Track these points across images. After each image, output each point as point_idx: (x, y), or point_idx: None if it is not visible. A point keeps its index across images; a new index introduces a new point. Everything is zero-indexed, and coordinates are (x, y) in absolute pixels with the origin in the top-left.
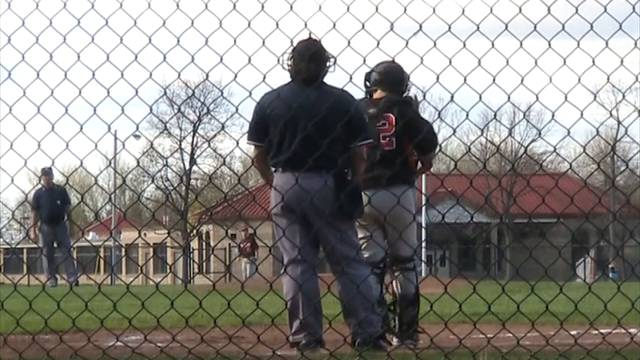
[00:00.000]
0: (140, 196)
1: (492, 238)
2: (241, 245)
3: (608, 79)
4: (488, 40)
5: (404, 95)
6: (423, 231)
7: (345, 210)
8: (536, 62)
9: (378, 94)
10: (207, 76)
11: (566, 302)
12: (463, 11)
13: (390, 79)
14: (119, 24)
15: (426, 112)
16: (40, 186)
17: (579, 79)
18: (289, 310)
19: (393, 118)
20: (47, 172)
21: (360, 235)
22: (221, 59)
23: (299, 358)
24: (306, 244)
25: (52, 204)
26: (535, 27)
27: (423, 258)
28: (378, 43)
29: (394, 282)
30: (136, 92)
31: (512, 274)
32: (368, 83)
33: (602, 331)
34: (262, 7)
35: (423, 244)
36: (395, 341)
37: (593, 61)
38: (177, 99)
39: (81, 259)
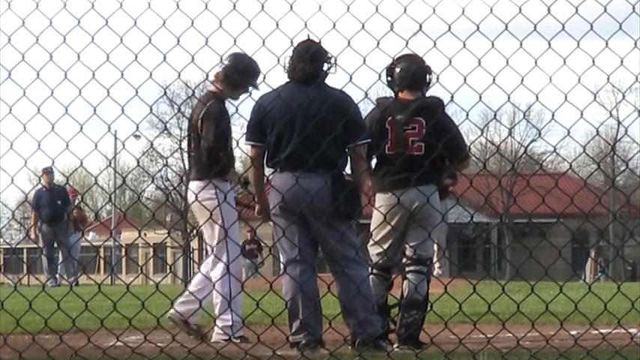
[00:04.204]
0: (140, 196)
1: (492, 238)
2: (246, 247)
3: (608, 79)
4: (489, 40)
5: (426, 90)
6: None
7: (344, 210)
8: (536, 62)
9: (405, 95)
10: (207, 76)
11: (566, 302)
12: (463, 11)
13: (417, 79)
14: (119, 24)
15: None
16: (40, 186)
17: (579, 79)
18: (289, 310)
19: (424, 123)
20: (48, 172)
21: (377, 240)
22: (221, 59)
23: (299, 358)
24: (304, 244)
25: (52, 204)
26: (535, 27)
27: None
28: (378, 43)
29: (404, 283)
30: (136, 92)
31: (512, 274)
32: (390, 79)
33: (602, 331)
34: (262, 7)
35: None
36: (395, 346)
37: (593, 61)
38: (177, 99)
39: (81, 259)
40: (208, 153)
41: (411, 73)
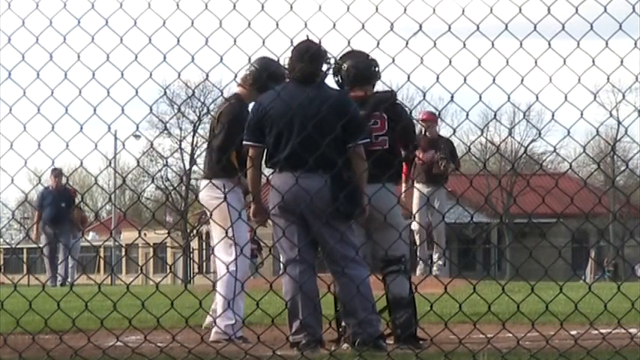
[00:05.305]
0: (140, 196)
1: (492, 238)
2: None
3: (608, 79)
4: (489, 40)
5: (375, 83)
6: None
7: (344, 210)
8: (536, 62)
9: (357, 91)
10: (207, 76)
11: (566, 302)
12: (463, 11)
13: (368, 74)
14: (119, 24)
15: None
16: (46, 185)
17: (579, 79)
18: (289, 310)
19: (385, 117)
20: (58, 175)
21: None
22: (221, 59)
23: (299, 358)
24: (304, 245)
25: (56, 205)
26: (535, 27)
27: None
28: (378, 43)
29: (386, 286)
30: (136, 92)
31: (512, 274)
32: (339, 78)
33: (602, 331)
34: (262, 7)
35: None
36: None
37: (593, 61)
38: (177, 99)
39: (81, 259)
40: (217, 152)
41: (359, 69)
